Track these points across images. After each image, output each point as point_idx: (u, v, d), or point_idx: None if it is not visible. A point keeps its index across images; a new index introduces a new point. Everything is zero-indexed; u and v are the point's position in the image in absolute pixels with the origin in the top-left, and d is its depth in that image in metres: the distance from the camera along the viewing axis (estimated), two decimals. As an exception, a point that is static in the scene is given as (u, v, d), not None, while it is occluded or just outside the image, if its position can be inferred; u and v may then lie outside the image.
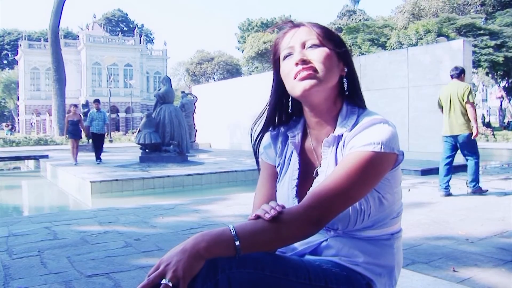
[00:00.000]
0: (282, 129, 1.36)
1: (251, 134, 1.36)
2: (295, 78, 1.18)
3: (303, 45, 1.20)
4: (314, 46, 1.19)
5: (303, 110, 1.29)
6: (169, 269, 0.92)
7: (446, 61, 11.29)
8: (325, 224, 1.07)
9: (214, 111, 20.27)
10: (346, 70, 1.24)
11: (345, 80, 1.24)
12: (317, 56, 1.18)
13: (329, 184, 1.07)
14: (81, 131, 12.98)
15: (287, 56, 1.22)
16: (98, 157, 12.74)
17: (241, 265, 0.98)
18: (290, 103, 1.33)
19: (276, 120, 1.35)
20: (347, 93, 1.25)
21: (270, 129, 1.36)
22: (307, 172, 1.28)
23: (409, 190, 6.71)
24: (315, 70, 1.17)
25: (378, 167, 1.10)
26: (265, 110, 1.34)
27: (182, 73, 71.53)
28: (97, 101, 13.45)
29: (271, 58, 1.31)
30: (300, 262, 1.11)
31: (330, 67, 1.18)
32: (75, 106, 13.14)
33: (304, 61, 1.17)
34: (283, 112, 1.35)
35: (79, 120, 12.82)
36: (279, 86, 1.30)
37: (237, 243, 0.97)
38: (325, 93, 1.20)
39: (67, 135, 13.29)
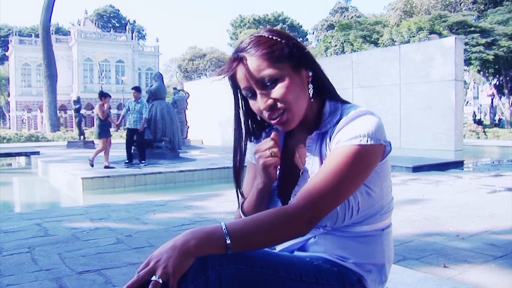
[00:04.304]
0: (265, 131, 1.34)
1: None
2: (270, 120, 1.16)
3: (261, 84, 1.13)
4: (272, 81, 1.12)
5: None
6: (159, 265, 0.92)
7: (438, 59, 11.34)
8: (316, 223, 1.06)
9: (206, 107, 20.21)
10: (310, 74, 1.19)
11: (310, 85, 1.19)
12: (280, 93, 1.12)
13: (319, 183, 1.06)
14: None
15: (250, 97, 1.18)
16: (142, 157, 10.75)
17: (232, 261, 0.98)
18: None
19: (254, 130, 1.33)
20: (312, 100, 1.20)
21: (252, 139, 1.34)
22: (290, 172, 1.27)
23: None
24: (285, 111, 1.14)
25: (366, 160, 1.09)
26: (239, 131, 1.29)
27: (174, 70, 71.40)
28: (136, 89, 11.02)
29: (229, 83, 1.23)
30: (291, 258, 1.11)
31: (297, 95, 1.14)
32: (109, 96, 10.71)
33: (271, 107, 1.14)
34: (259, 122, 1.32)
35: (108, 114, 10.64)
36: (247, 104, 1.24)
37: (228, 241, 0.97)
38: (301, 116, 1.18)
39: (98, 133, 10.44)
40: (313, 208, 1.04)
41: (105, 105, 10.33)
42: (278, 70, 1.12)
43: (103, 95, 10.51)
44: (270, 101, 1.13)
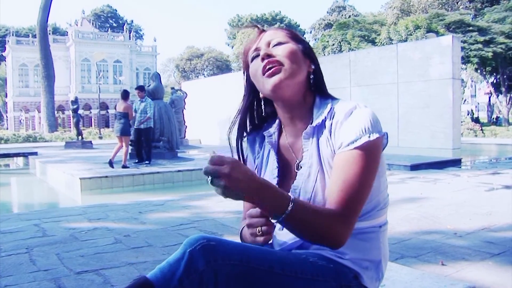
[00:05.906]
0: (257, 132, 1.38)
1: (229, 142, 1.37)
2: (263, 75, 1.20)
3: (268, 44, 1.24)
4: (279, 43, 1.23)
5: (277, 110, 1.31)
6: (226, 174, 0.93)
7: (436, 57, 11.35)
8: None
9: (204, 107, 20.21)
10: (313, 67, 1.27)
11: (312, 76, 1.26)
12: (282, 51, 1.21)
13: (350, 189, 1.10)
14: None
15: (254, 58, 1.25)
16: (148, 157, 10.69)
17: (226, 258, 0.98)
18: (263, 106, 1.35)
19: (250, 125, 1.37)
20: (312, 88, 1.27)
21: (245, 134, 1.38)
22: (285, 169, 1.29)
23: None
24: (281, 64, 1.19)
25: (376, 154, 1.14)
26: (237, 116, 1.36)
27: (172, 69, 71.33)
28: (140, 88, 10.68)
29: (242, 66, 1.34)
30: (287, 256, 1.11)
31: (296, 60, 1.21)
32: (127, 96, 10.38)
33: (269, 55, 1.20)
34: (256, 116, 1.37)
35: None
36: (250, 92, 1.33)
37: (290, 208, 1.01)
38: (294, 87, 1.22)
39: (123, 131, 10.16)
40: (351, 215, 1.10)
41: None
42: (288, 41, 1.23)
43: (128, 94, 10.42)
44: (269, 52, 1.21)
